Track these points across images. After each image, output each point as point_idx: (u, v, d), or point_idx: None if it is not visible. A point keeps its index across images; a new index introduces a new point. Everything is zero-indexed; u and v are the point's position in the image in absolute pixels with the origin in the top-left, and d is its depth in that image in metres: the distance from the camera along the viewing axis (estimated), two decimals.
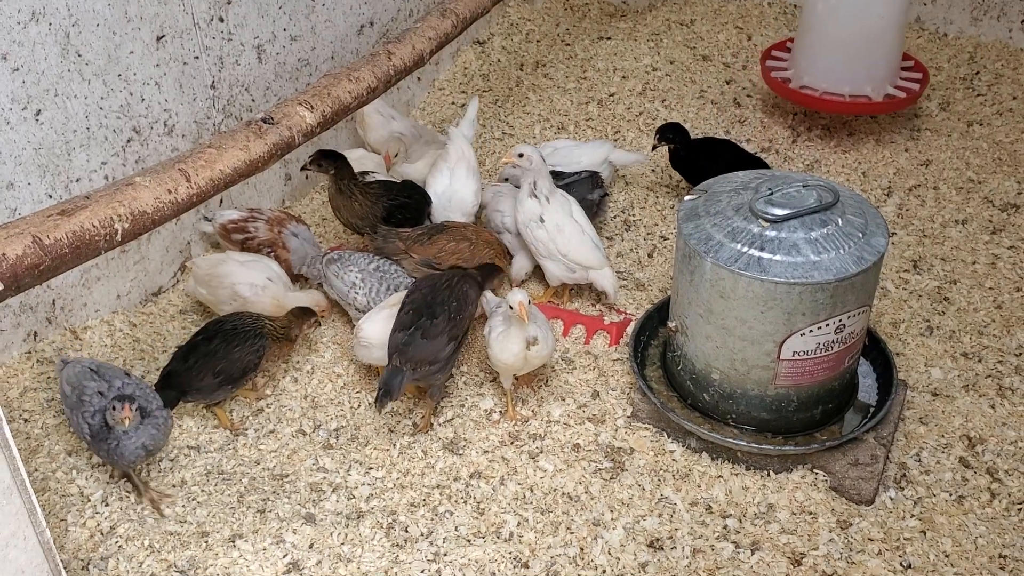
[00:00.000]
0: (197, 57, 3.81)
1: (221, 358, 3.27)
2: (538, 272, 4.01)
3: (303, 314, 3.51)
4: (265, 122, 3.05)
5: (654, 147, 4.33)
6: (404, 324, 3.30)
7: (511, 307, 3.19)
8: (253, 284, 3.61)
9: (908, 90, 4.76)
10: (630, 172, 4.75)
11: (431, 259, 3.71)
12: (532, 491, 3.16)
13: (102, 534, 3.02)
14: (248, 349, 3.31)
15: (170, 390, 3.27)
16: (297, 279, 3.96)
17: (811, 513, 3.07)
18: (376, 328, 3.39)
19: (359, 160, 4.31)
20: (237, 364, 3.29)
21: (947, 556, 2.95)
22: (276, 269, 3.73)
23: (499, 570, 2.91)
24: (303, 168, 3.86)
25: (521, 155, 3.71)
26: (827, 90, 4.73)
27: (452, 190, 4.03)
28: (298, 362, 3.68)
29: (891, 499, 3.12)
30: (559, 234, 3.70)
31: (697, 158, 4.29)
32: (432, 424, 3.41)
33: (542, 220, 3.71)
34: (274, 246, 3.86)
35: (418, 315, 3.30)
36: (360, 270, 3.67)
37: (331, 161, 3.81)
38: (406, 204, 3.94)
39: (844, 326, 3.00)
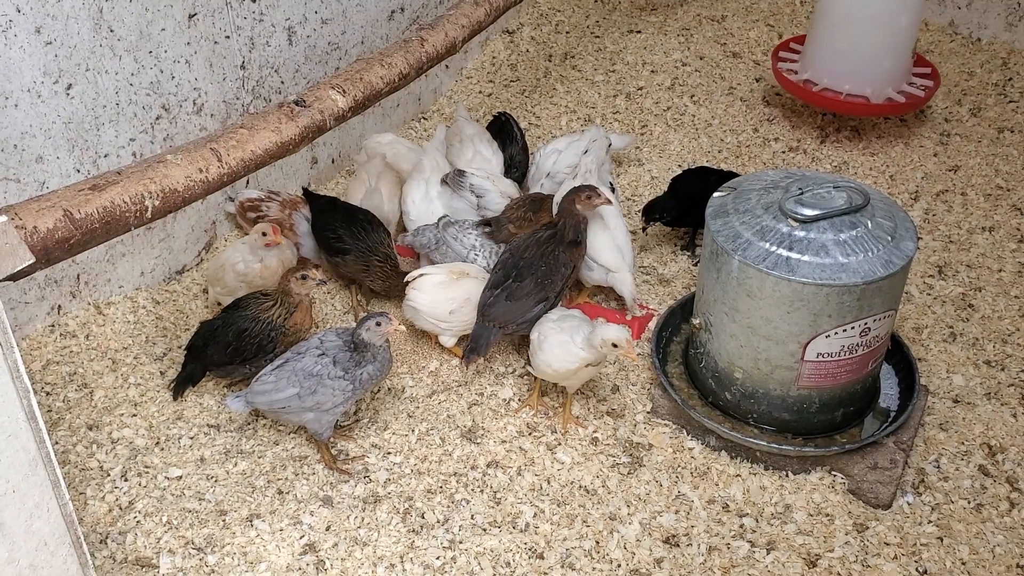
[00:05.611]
0: (228, 37, 3.81)
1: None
2: None
3: (289, 274, 3.34)
4: (297, 104, 3.05)
5: (644, 229, 4.07)
6: (493, 283, 3.44)
7: (614, 344, 3.06)
8: (248, 260, 3.56)
9: (910, 95, 4.73)
10: (626, 155, 4.79)
11: None
12: (549, 483, 3.16)
13: (120, 509, 3.04)
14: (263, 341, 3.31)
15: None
16: (303, 264, 3.93)
17: (828, 515, 3.06)
18: (424, 297, 3.48)
19: (390, 144, 4.29)
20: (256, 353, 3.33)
21: (963, 564, 2.93)
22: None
23: (514, 560, 2.92)
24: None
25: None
26: (827, 87, 4.72)
27: (429, 198, 3.99)
28: None
29: (908, 504, 3.11)
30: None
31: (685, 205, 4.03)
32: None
33: None
34: (283, 225, 3.85)
35: (506, 276, 3.43)
36: (478, 235, 3.72)
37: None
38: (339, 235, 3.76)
39: (869, 329, 2.99)
